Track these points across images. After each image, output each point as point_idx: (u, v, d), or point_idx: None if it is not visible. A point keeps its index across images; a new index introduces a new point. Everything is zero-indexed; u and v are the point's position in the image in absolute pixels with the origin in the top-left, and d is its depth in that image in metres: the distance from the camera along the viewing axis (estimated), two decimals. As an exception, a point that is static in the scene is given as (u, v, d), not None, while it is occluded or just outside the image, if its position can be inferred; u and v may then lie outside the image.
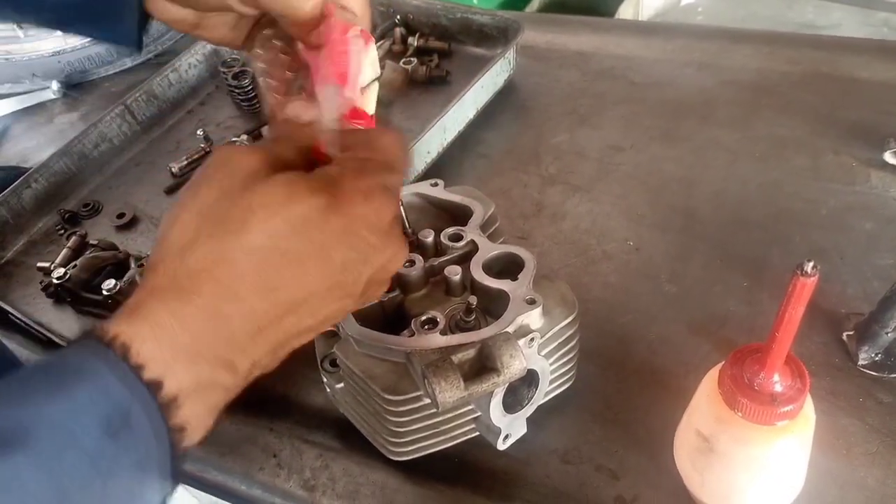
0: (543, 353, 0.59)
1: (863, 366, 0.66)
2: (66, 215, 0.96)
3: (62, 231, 0.94)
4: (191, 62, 1.11)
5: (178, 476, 0.41)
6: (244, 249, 0.41)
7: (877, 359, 0.66)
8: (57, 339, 0.78)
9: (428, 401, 0.56)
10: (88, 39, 1.19)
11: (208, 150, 1.01)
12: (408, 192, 0.69)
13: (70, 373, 0.37)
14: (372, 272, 0.45)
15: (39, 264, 0.89)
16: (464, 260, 0.63)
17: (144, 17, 0.61)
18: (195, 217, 0.42)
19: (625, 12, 1.90)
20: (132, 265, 0.84)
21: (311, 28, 0.54)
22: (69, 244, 0.89)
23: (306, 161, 0.48)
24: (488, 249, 0.62)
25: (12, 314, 0.82)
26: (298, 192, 0.42)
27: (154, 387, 0.38)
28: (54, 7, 0.63)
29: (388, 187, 0.46)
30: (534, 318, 0.58)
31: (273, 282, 0.41)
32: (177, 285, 0.40)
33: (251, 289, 0.41)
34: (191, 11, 0.57)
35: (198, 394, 0.40)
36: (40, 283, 0.87)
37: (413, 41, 1.09)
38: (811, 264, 0.42)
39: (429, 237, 0.64)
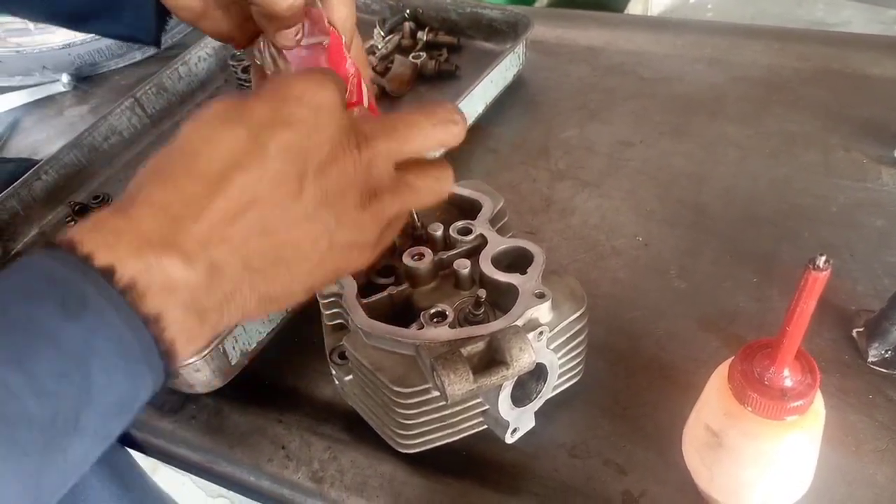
0: (552, 347, 0.59)
1: (872, 363, 0.66)
2: (76, 207, 0.96)
3: (72, 223, 0.95)
4: (200, 55, 1.12)
5: (171, 374, 0.40)
6: (180, 144, 0.42)
7: (887, 356, 0.66)
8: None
9: (436, 393, 0.56)
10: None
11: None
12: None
13: (19, 270, 0.37)
14: (322, 160, 0.43)
15: (49, 256, 0.89)
16: (473, 254, 0.63)
17: (163, 11, 0.61)
18: None
19: (634, 7, 1.89)
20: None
21: (283, 26, 0.53)
22: (79, 236, 0.90)
23: None
24: (497, 243, 0.62)
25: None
26: (235, 95, 0.44)
27: (107, 273, 0.37)
28: (67, 4, 0.63)
29: (318, 71, 0.45)
30: (543, 312, 0.58)
31: (205, 170, 0.41)
32: (126, 193, 0.41)
33: (186, 176, 0.41)
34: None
35: (156, 284, 0.38)
36: (50, 274, 0.87)
37: (422, 35, 1.09)
38: (823, 258, 0.42)
39: (438, 231, 0.65)
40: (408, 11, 1.12)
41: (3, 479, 0.33)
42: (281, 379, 0.72)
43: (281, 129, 0.42)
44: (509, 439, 0.60)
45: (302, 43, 0.55)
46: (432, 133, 0.50)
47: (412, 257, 0.62)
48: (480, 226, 0.64)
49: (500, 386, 0.55)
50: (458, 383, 0.51)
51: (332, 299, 0.63)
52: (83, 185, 1.00)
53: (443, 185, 0.51)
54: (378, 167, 0.47)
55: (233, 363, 0.69)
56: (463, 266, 0.61)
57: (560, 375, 0.62)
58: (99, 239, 0.38)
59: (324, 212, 0.44)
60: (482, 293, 0.58)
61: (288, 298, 0.46)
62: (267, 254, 0.43)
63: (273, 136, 0.42)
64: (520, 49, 1.00)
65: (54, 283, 0.36)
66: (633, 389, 0.67)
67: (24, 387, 0.33)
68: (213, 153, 0.41)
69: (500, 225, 0.67)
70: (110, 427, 0.38)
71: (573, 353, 0.63)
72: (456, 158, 0.92)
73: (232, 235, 0.41)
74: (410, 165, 0.49)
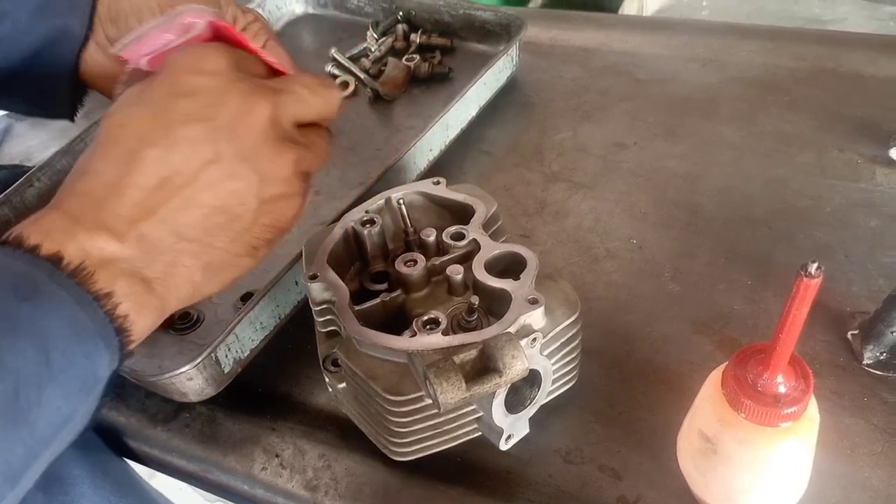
0: (546, 353, 0.59)
1: (868, 365, 0.66)
2: (69, 214, 0.96)
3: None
4: (193, 60, 1.11)
5: (129, 352, 0.42)
6: (96, 138, 0.44)
7: (882, 358, 0.65)
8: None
9: (430, 401, 0.56)
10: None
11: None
12: (410, 190, 0.68)
13: None
14: (227, 119, 0.45)
15: (42, 263, 0.89)
16: (466, 259, 0.63)
17: (79, 88, 0.62)
18: None
19: (629, 7, 1.89)
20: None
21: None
22: (72, 243, 0.89)
23: None
24: (490, 249, 0.62)
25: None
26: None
27: (54, 259, 0.39)
28: None
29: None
30: (536, 318, 0.57)
31: (111, 149, 0.43)
32: (59, 191, 0.44)
33: (99, 158, 0.43)
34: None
35: (97, 263, 0.41)
36: (43, 281, 0.87)
37: (415, 38, 1.09)
38: (815, 265, 0.42)
39: (431, 236, 0.64)
40: (401, 14, 1.12)
41: None
42: (274, 387, 0.72)
43: (180, 99, 0.44)
44: (504, 446, 0.60)
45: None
46: (328, 96, 0.52)
47: (405, 263, 0.62)
48: (473, 231, 0.64)
49: (494, 393, 0.54)
50: (451, 392, 0.51)
51: (324, 306, 0.62)
52: (76, 192, 0.99)
53: (330, 146, 0.54)
54: (284, 119, 0.48)
55: (226, 371, 0.68)
56: (456, 272, 0.61)
57: (554, 381, 0.62)
58: (40, 230, 0.40)
59: (244, 169, 0.46)
60: (475, 299, 0.58)
61: (235, 265, 0.47)
62: (197, 223, 0.44)
63: (174, 107, 0.44)
64: (513, 51, 1.00)
65: (5, 271, 0.38)
66: (627, 394, 0.67)
67: None
68: (122, 136, 0.43)
69: (493, 229, 0.67)
70: (74, 404, 0.40)
71: (567, 359, 0.63)
72: (449, 161, 0.92)
73: (155, 208, 0.43)
74: (308, 125, 0.51)
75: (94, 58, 0.60)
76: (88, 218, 0.41)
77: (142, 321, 0.43)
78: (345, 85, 1.05)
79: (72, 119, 0.66)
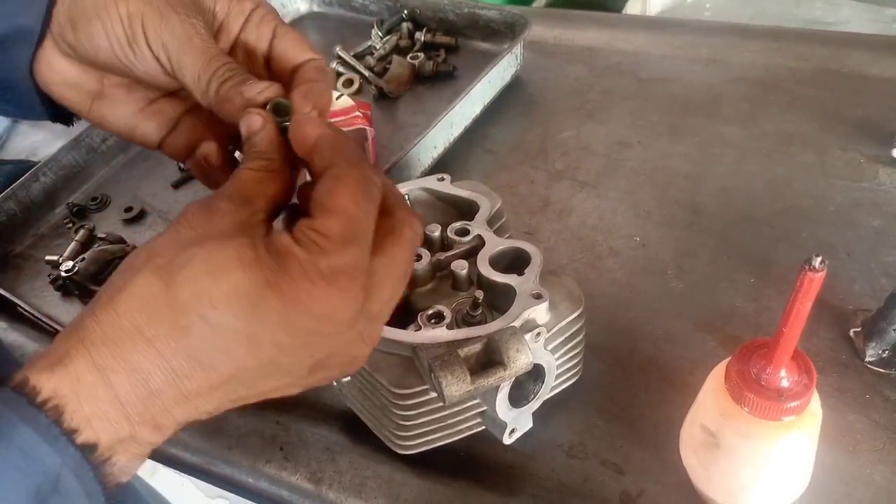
0: (549, 347, 0.59)
1: (870, 362, 0.66)
2: (75, 209, 0.96)
3: (70, 224, 0.95)
4: (198, 57, 1.12)
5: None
6: (170, 304, 0.37)
7: (884, 355, 0.66)
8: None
9: (434, 395, 0.56)
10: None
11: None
12: (415, 186, 0.69)
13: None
14: (321, 358, 0.41)
15: (48, 257, 0.89)
16: (470, 255, 0.63)
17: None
18: (142, 258, 0.39)
19: (632, 7, 1.90)
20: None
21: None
22: (77, 238, 0.90)
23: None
24: (495, 244, 0.62)
25: (21, 307, 0.83)
26: (241, 260, 0.38)
27: (87, 450, 0.36)
28: None
29: (348, 272, 0.39)
30: (540, 312, 0.58)
31: (195, 349, 0.38)
32: (102, 333, 0.37)
33: (172, 350, 0.37)
34: (90, 73, 0.51)
35: (128, 454, 0.38)
36: (48, 276, 0.87)
37: (420, 36, 1.10)
38: (819, 259, 0.42)
39: (435, 232, 0.65)
40: (406, 12, 1.12)
41: None
42: (279, 380, 0.72)
43: (284, 334, 0.39)
44: (507, 440, 0.60)
45: None
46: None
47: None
48: (478, 227, 0.64)
49: (498, 387, 0.55)
50: (456, 384, 0.51)
51: (329, 301, 0.63)
52: (81, 187, 1.00)
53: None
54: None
55: (231, 365, 0.69)
56: (461, 267, 0.62)
57: (558, 376, 0.63)
58: (80, 408, 0.36)
59: (313, 380, 0.44)
60: (479, 294, 0.59)
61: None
62: (242, 403, 0.42)
63: (274, 338, 0.39)
64: (517, 49, 1.00)
65: (31, 465, 0.35)
66: (630, 390, 0.67)
67: None
68: (205, 332, 0.38)
69: (497, 225, 0.67)
70: None
71: (571, 354, 0.63)
72: (454, 159, 0.92)
73: (207, 407, 0.40)
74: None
75: (50, 62, 0.52)
76: (139, 411, 0.37)
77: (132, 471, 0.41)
78: (349, 82, 1.06)
79: (68, 124, 0.59)
